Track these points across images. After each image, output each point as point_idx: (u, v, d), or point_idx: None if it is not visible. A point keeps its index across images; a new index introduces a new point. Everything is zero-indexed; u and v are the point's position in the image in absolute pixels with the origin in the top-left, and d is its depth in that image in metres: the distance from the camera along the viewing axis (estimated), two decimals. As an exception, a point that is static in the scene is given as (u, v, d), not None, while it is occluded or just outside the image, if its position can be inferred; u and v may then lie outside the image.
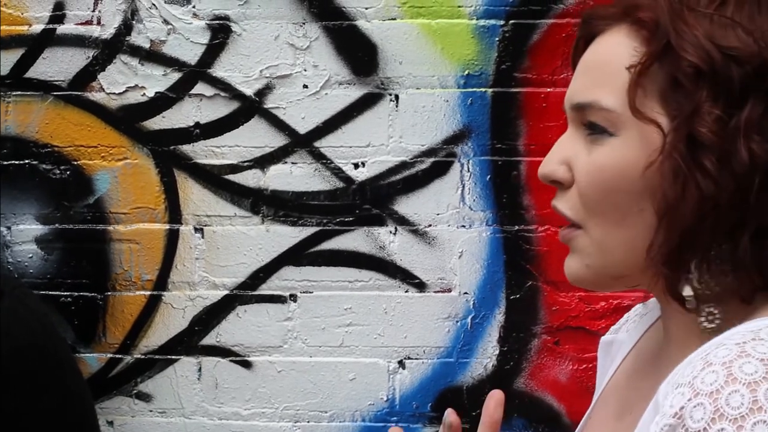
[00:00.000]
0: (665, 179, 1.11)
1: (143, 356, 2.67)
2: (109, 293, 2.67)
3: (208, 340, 2.66)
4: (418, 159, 2.59)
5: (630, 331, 1.40)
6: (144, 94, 2.64)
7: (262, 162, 2.62)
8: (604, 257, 1.19)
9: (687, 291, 1.13)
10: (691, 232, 1.10)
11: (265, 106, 2.61)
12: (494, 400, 1.27)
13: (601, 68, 1.19)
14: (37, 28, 2.65)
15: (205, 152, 2.63)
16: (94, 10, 2.64)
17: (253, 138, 2.62)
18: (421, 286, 2.60)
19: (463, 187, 2.57)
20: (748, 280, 1.12)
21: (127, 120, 2.64)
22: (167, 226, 2.65)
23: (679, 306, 1.14)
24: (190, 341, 2.66)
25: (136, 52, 2.63)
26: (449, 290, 2.59)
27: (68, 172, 2.66)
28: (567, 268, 1.23)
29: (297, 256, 2.63)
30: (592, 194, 1.17)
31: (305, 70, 2.60)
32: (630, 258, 1.17)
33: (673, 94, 1.12)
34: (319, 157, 2.60)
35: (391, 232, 2.60)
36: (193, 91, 2.62)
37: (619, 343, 1.40)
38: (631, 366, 1.35)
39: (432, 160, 2.58)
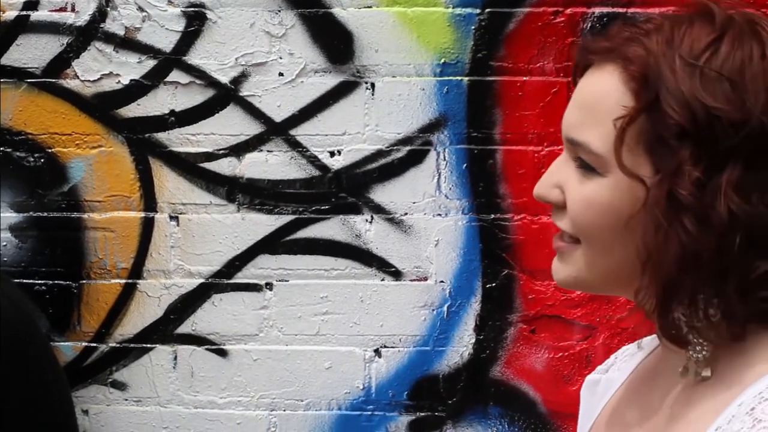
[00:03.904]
0: (647, 230, 1.14)
1: (118, 345, 2.66)
2: (84, 281, 2.66)
3: (184, 328, 2.65)
4: (394, 147, 2.58)
5: (621, 370, 1.42)
6: (119, 81, 2.62)
7: (238, 150, 2.61)
8: (591, 275, 1.23)
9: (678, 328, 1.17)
10: (674, 281, 1.14)
11: (241, 94, 2.60)
12: None
13: (592, 109, 1.20)
14: (11, 14, 2.63)
15: (181, 140, 2.62)
16: (68, -3, 2.63)
17: (229, 126, 2.61)
18: (397, 275, 2.60)
19: (439, 175, 2.57)
20: (739, 320, 1.15)
21: (102, 107, 2.63)
22: (142, 214, 2.64)
23: (672, 343, 1.18)
24: (165, 330, 2.65)
25: (110, 39, 2.62)
26: (425, 279, 2.59)
27: (42, 160, 2.64)
28: (556, 272, 1.27)
29: (273, 244, 2.62)
30: (581, 222, 1.21)
31: (281, 58, 2.59)
32: (615, 281, 1.22)
33: (658, 148, 1.14)
34: (294, 145, 2.60)
35: (367, 220, 2.59)
36: (168, 79, 2.61)
37: (608, 381, 1.42)
38: (623, 400, 1.37)
39: (408, 148, 2.58)
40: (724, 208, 1.10)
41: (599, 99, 1.19)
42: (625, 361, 1.42)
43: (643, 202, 1.14)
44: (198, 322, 2.65)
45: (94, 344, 2.67)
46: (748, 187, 1.11)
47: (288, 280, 2.62)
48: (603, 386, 1.42)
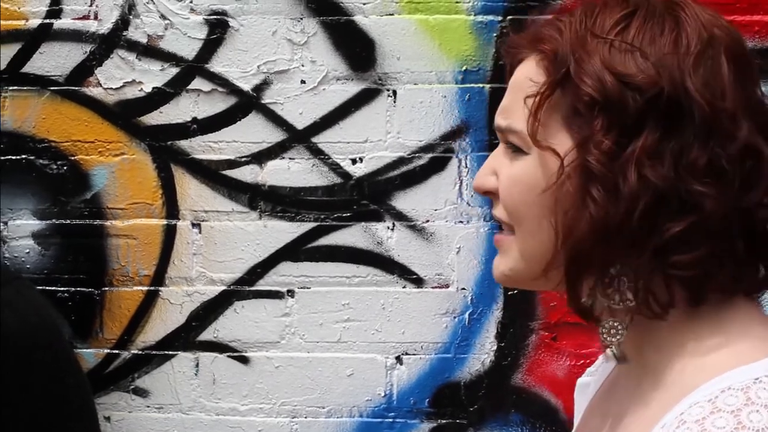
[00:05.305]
0: (560, 202, 1.17)
1: (140, 352, 2.67)
2: (107, 289, 2.67)
3: (206, 335, 2.65)
4: (416, 155, 2.58)
5: (600, 374, 1.43)
6: (141, 89, 2.63)
7: (260, 157, 2.62)
8: (523, 264, 1.25)
9: (591, 303, 1.19)
10: (584, 252, 1.15)
11: (263, 102, 2.61)
12: None
13: (515, 94, 1.25)
14: (34, 22, 2.65)
15: (203, 147, 2.63)
16: (91, 5, 2.63)
17: (251, 133, 2.61)
18: (418, 282, 2.60)
19: (461, 182, 2.57)
20: (651, 298, 1.15)
21: (125, 115, 2.64)
22: (164, 222, 2.65)
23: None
24: (187, 337, 2.66)
25: (133, 47, 2.63)
26: (447, 286, 2.59)
27: (65, 168, 2.66)
28: (495, 267, 1.29)
29: (294, 251, 2.62)
30: (508, 203, 1.24)
31: (303, 66, 2.59)
32: (544, 266, 1.22)
33: (574, 121, 1.17)
34: (316, 152, 2.60)
35: (388, 227, 2.60)
36: (190, 87, 2.62)
37: (595, 384, 1.44)
38: (592, 407, 1.39)
39: (430, 155, 2.58)
40: (633, 175, 1.12)
41: (521, 83, 1.24)
42: (602, 366, 1.44)
43: (557, 176, 1.17)
44: (220, 330, 2.65)
45: (117, 351, 2.68)
46: (662, 154, 1.13)
47: (310, 288, 2.63)
48: (591, 389, 1.44)
